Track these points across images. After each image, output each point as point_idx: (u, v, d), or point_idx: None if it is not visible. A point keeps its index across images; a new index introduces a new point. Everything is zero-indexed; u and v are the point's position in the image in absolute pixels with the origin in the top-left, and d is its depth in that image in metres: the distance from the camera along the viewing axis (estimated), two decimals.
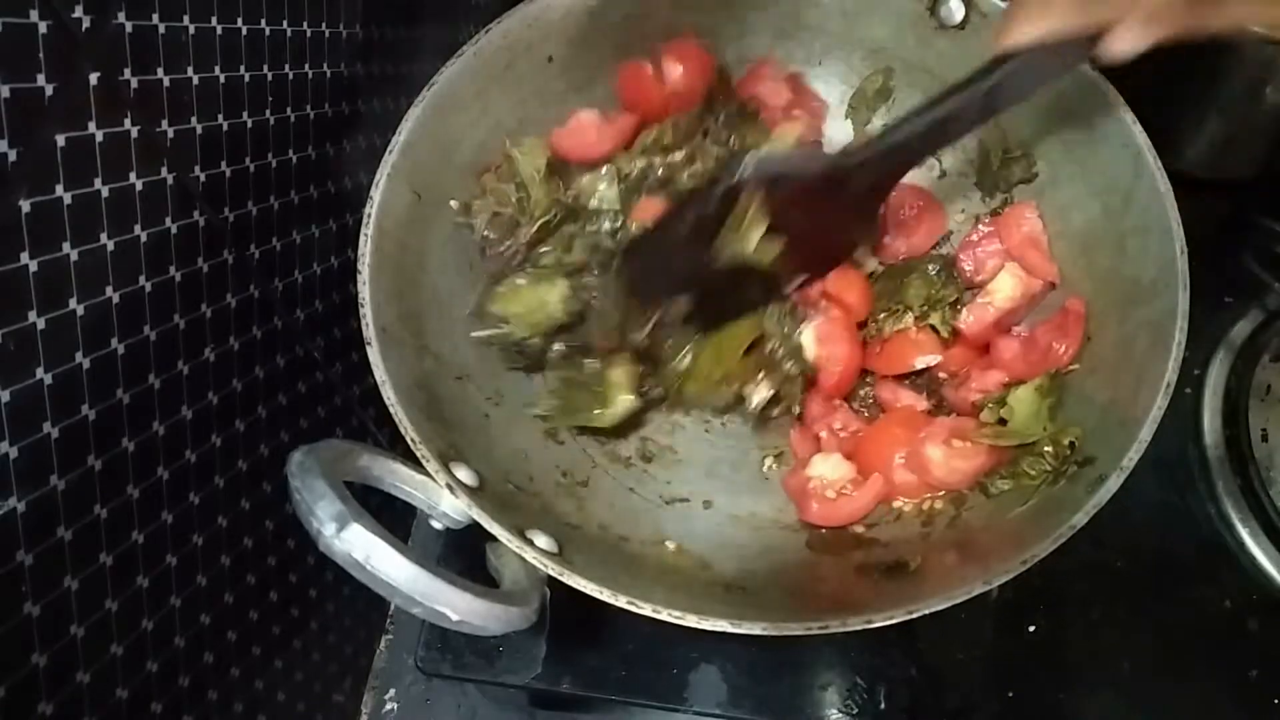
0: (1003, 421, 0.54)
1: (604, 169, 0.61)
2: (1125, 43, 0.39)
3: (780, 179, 0.50)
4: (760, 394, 0.57)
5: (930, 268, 0.61)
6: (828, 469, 0.57)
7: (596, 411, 0.57)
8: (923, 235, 0.64)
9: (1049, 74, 0.44)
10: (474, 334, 0.57)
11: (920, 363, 0.59)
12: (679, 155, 0.61)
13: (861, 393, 0.62)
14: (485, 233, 0.59)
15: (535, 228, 0.59)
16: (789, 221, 0.51)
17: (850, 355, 0.58)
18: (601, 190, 0.61)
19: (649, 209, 0.60)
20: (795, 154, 0.57)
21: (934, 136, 0.47)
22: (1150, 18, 0.38)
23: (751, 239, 0.51)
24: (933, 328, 0.60)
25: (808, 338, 0.58)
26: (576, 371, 0.59)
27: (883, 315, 0.61)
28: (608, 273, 0.59)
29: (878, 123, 0.67)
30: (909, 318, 0.60)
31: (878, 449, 0.57)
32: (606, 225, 0.61)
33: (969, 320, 0.59)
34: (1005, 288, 0.58)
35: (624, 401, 0.57)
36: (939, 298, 0.60)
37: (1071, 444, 0.51)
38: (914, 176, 0.55)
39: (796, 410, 0.59)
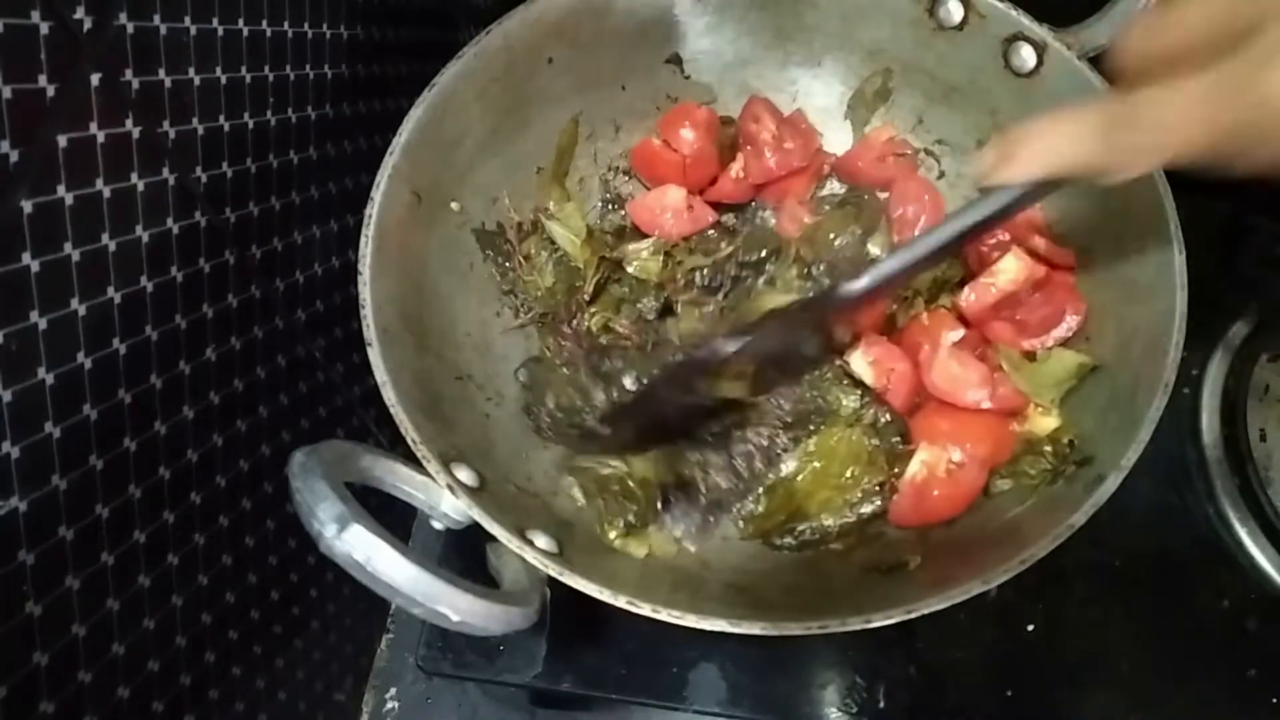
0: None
1: (652, 242, 0.63)
2: (1129, 174, 0.36)
3: (766, 354, 0.52)
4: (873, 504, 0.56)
5: None
6: (930, 455, 0.55)
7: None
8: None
9: (1035, 200, 0.42)
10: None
11: (949, 339, 0.58)
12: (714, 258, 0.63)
13: None
14: (532, 310, 0.60)
15: (590, 288, 0.60)
16: (763, 367, 0.53)
17: (910, 370, 0.57)
18: (645, 260, 0.62)
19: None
20: (777, 325, 0.54)
21: (908, 276, 0.48)
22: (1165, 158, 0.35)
23: (733, 388, 0.53)
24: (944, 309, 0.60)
25: (859, 364, 0.57)
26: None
27: (894, 307, 0.61)
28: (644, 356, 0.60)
29: (876, 123, 0.67)
30: (919, 303, 0.60)
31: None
32: (650, 301, 0.62)
33: (970, 299, 0.58)
34: (1010, 270, 0.57)
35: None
36: (946, 279, 0.60)
37: (1070, 443, 0.51)
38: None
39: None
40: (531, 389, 0.59)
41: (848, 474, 0.55)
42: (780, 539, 0.55)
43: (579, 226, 0.62)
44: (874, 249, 0.62)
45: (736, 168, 0.65)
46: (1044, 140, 0.38)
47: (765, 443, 0.57)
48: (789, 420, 0.57)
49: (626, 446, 0.56)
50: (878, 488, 0.55)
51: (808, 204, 0.65)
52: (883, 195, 0.65)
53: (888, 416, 0.56)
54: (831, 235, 0.62)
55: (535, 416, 0.58)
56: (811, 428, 0.57)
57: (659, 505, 0.55)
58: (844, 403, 0.57)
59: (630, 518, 0.53)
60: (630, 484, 0.54)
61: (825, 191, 0.68)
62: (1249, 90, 0.31)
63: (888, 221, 0.63)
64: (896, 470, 0.55)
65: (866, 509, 0.54)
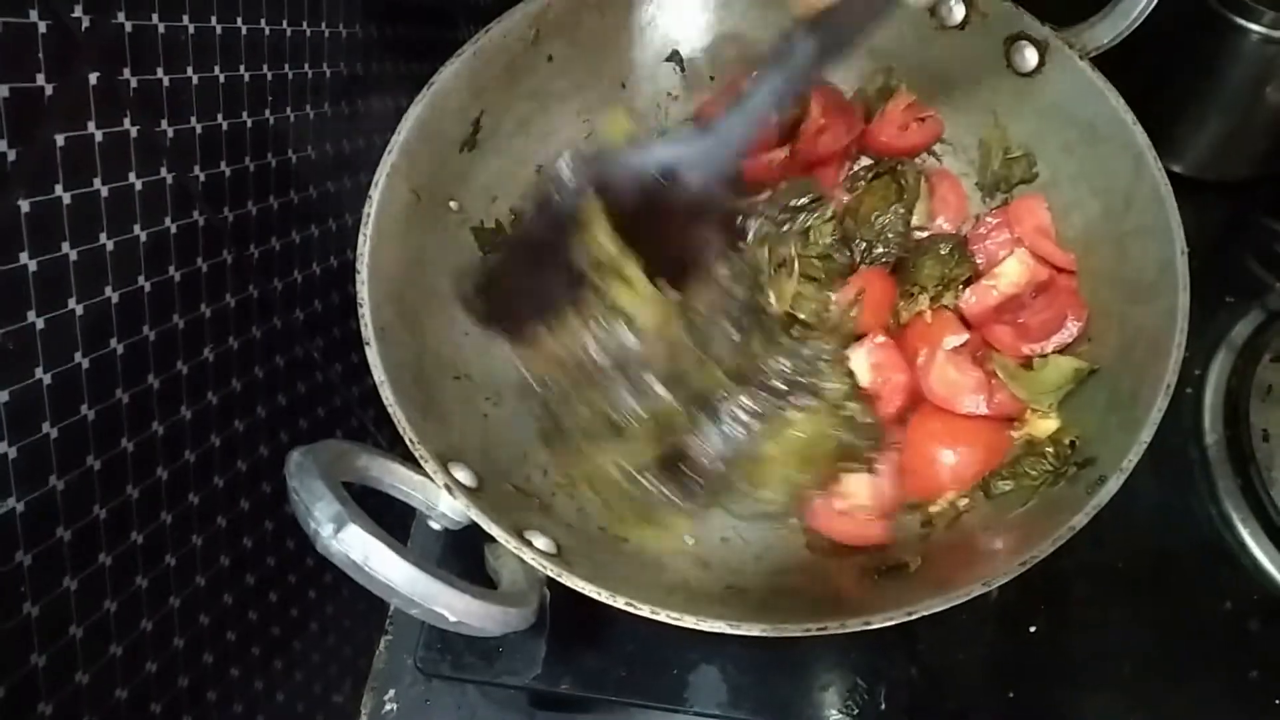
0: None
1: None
2: None
3: (609, 186, 0.48)
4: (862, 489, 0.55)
5: (942, 248, 0.60)
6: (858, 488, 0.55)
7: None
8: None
9: (866, 19, 0.44)
10: None
11: (950, 343, 0.58)
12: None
13: None
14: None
15: None
16: (637, 223, 0.49)
17: (906, 382, 0.57)
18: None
19: None
20: (618, 157, 0.50)
21: (757, 122, 0.46)
22: None
23: (603, 243, 0.49)
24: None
25: (859, 361, 0.57)
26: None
27: (900, 304, 0.60)
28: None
29: (874, 96, 0.66)
30: (924, 299, 0.60)
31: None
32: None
33: (971, 301, 0.58)
34: (1012, 272, 0.57)
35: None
36: (953, 276, 0.60)
37: (1072, 443, 0.51)
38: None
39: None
40: None
41: (810, 455, 0.54)
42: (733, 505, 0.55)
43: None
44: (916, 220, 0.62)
45: (779, 153, 0.63)
46: None
47: (757, 407, 0.55)
48: (781, 388, 0.55)
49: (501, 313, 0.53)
50: (827, 477, 0.54)
51: (840, 184, 0.64)
52: (918, 163, 0.64)
53: (869, 419, 0.55)
54: (875, 214, 0.61)
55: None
56: (795, 400, 0.55)
57: (661, 488, 0.53)
58: (831, 387, 0.56)
59: (634, 509, 0.52)
60: (631, 473, 0.53)
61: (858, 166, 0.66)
62: None
63: (928, 189, 0.63)
64: (843, 466, 0.54)
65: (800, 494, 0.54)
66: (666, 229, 0.50)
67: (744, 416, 0.54)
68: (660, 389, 0.52)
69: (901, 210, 0.61)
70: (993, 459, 0.54)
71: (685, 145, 0.49)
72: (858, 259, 0.61)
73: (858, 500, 0.55)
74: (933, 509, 0.55)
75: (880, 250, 0.61)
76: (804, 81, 0.46)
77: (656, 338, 0.52)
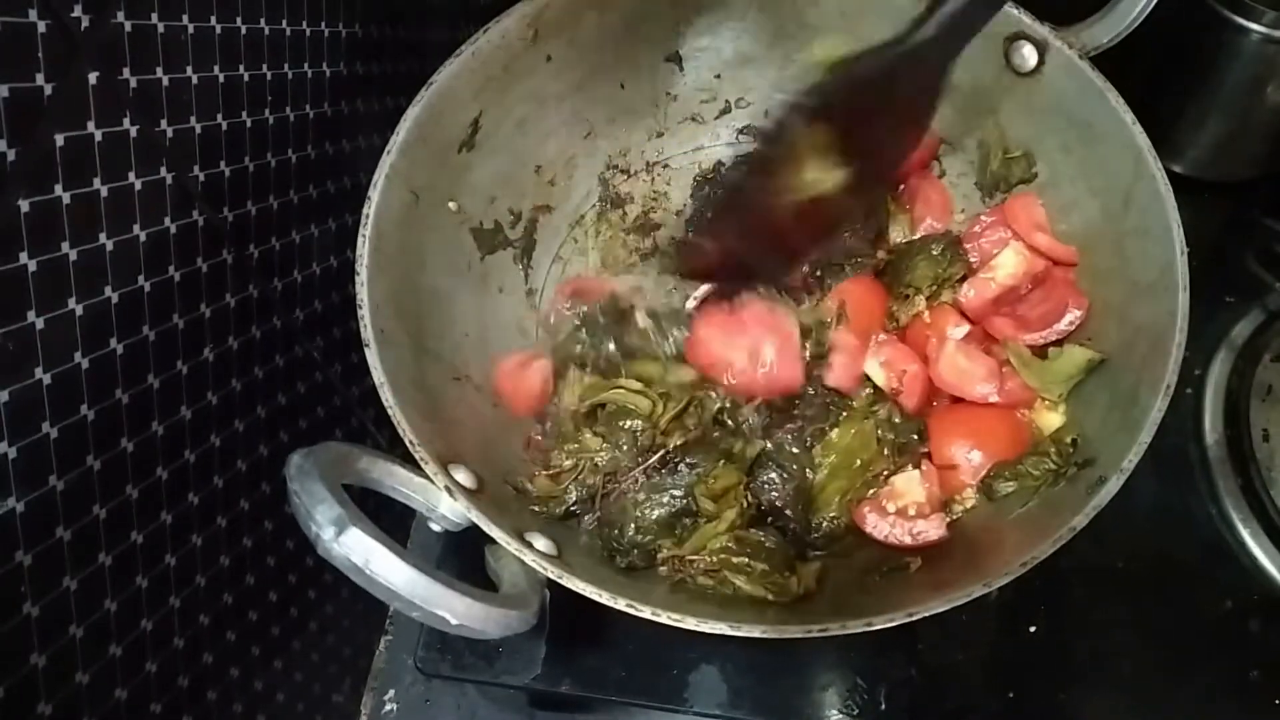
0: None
1: None
2: None
3: (831, 104, 0.46)
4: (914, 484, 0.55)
5: (934, 248, 0.60)
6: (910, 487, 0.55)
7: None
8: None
9: None
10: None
11: (955, 334, 0.58)
12: None
13: None
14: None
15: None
16: (847, 137, 0.47)
17: (921, 370, 0.57)
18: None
19: None
20: (838, 77, 0.48)
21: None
22: None
23: (814, 172, 0.47)
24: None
25: (873, 369, 0.57)
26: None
27: (895, 305, 0.61)
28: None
29: None
30: (920, 300, 0.60)
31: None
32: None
33: (969, 295, 0.58)
34: (1009, 264, 0.57)
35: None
36: (946, 275, 0.60)
37: (1073, 442, 0.51)
38: None
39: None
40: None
41: (857, 463, 0.55)
42: (809, 537, 0.54)
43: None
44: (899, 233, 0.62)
45: None
46: None
47: (795, 433, 0.55)
48: (809, 414, 0.56)
49: (724, 264, 0.53)
50: (879, 476, 0.54)
51: None
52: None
53: (900, 417, 0.56)
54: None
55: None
56: (831, 420, 0.56)
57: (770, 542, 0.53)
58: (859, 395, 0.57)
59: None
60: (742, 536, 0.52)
61: None
62: None
63: (904, 202, 0.63)
64: (899, 462, 0.54)
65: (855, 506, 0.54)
66: (868, 137, 0.48)
67: (793, 450, 0.55)
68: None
69: (862, 230, 0.62)
70: (1013, 449, 0.54)
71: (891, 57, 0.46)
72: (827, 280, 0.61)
73: (912, 498, 0.54)
74: (956, 507, 0.55)
75: (849, 271, 0.61)
76: None
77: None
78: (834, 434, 0.55)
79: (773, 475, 0.54)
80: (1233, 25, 0.62)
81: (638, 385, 0.55)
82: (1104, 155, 0.55)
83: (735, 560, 0.51)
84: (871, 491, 0.54)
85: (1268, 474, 0.61)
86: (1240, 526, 0.61)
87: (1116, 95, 0.53)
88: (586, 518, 0.53)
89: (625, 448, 0.53)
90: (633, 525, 0.52)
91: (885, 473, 0.54)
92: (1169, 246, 0.50)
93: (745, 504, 0.53)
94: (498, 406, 0.57)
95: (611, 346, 0.58)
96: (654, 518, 0.52)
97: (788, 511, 0.53)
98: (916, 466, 0.55)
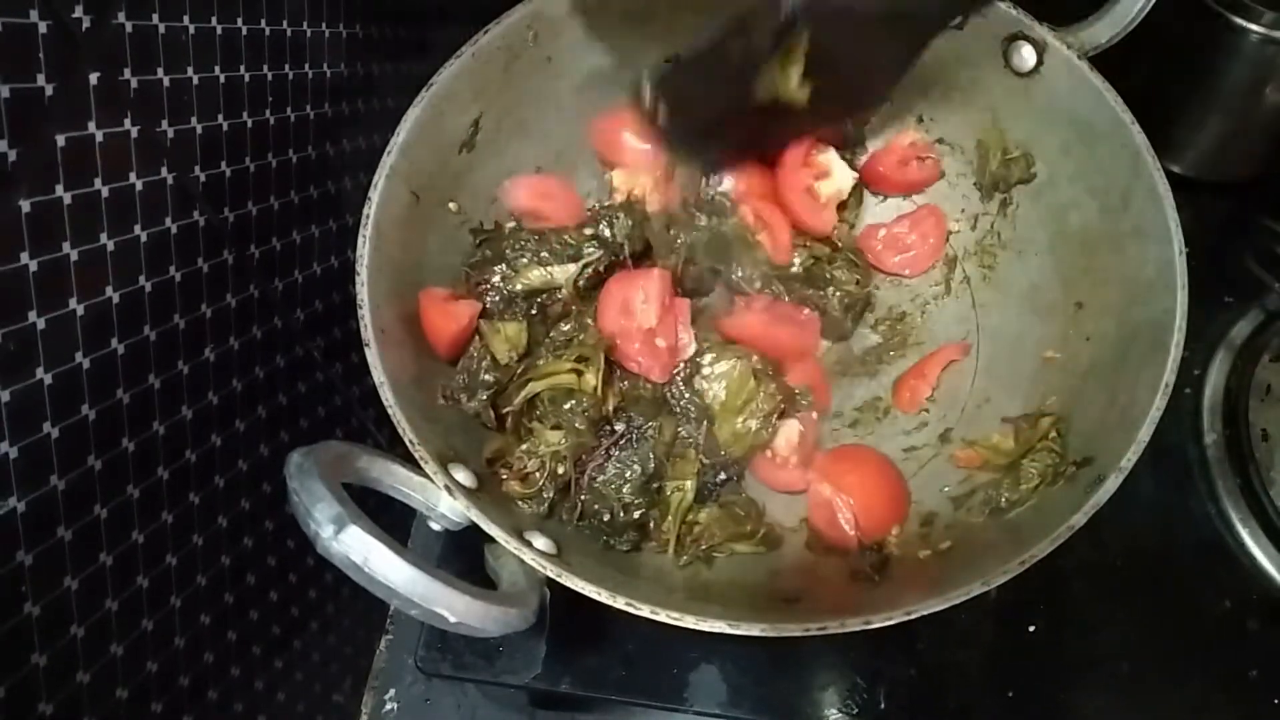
0: None
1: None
2: None
3: (836, 14, 0.47)
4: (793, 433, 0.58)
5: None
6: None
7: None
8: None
9: None
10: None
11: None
12: None
13: None
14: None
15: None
16: (827, 61, 0.48)
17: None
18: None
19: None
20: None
21: None
22: None
23: (793, 78, 0.49)
24: None
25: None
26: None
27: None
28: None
29: (876, 122, 0.66)
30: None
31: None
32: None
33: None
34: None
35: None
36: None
37: (1057, 431, 0.52)
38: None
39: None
40: None
41: (740, 401, 0.56)
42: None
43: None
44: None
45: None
46: None
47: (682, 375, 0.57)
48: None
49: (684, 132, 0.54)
50: (769, 417, 0.56)
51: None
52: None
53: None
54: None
55: None
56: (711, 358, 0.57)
57: None
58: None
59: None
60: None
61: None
62: None
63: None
64: (782, 402, 0.56)
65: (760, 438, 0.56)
66: (846, 67, 0.49)
67: (685, 392, 0.57)
68: None
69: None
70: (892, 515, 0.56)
71: None
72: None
73: (789, 447, 0.57)
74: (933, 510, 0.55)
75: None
76: None
77: None
78: (715, 369, 0.56)
79: (689, 426, 0.57)
80: (1232, 25, 0.62)
81: (566, 365, 0.54)
82: (1103, 155, 0.55)
83: (732, 529, 0.54)
84: (766, 435, 0.56)
85: (1266, 474, 0.61)
86: (1239, 526, 0.61)
87: (1115, 95, 0.54)
88: (571, 514, 0.53)
89: (581, 426, 0.54)
90: (615, 505, 0.53)
91: (769, 413, 0.56)
92: (1168, 246, 0.50)
93: (700, 463, 0.56)
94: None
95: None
96: (629, 491, 0.53)
97: (707, 460, 0.56)
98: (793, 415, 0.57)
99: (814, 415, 0.59)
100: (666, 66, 0.54)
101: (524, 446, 0.53)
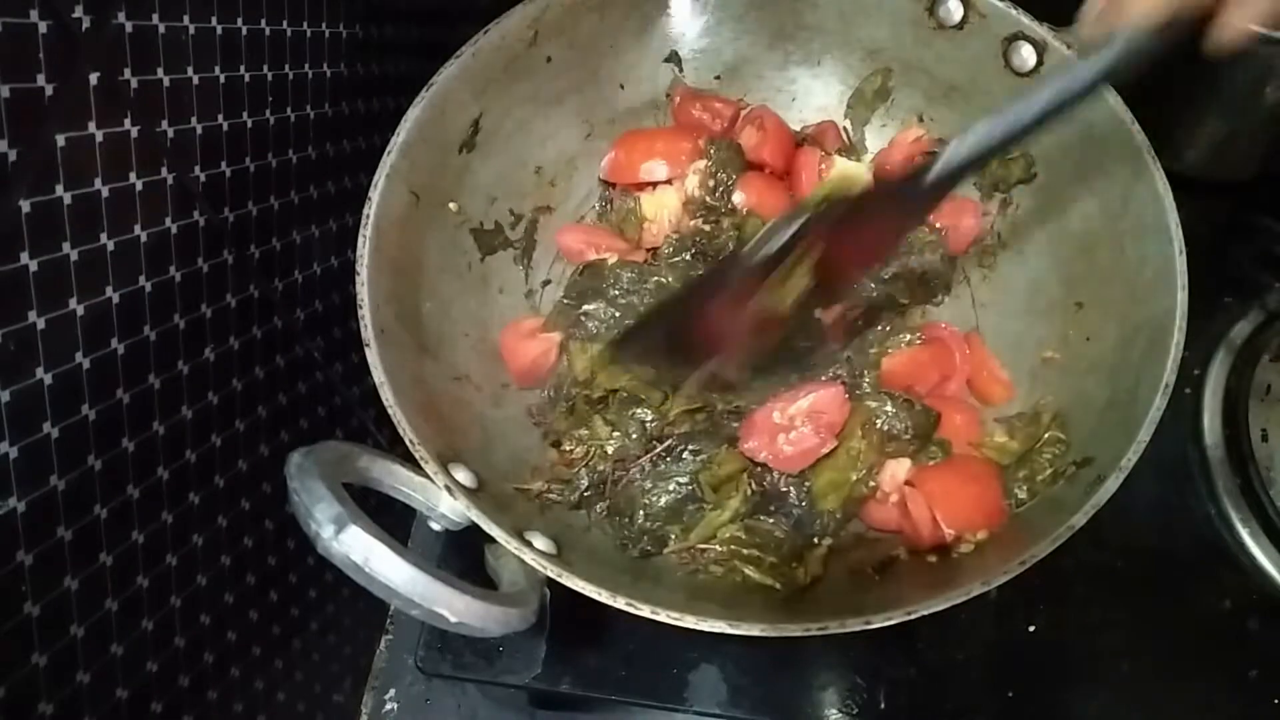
0: None
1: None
2: (1237, 22, 0.35)
3: (841, 224, 0.46)
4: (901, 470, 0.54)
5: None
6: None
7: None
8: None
9: (1150, 58, 0.38)
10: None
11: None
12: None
13: None
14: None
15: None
16: (826, 258, 0.47)
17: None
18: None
19: None
20: (861, 196, 0.48)
21: (1019, 136, 0.42)
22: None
23: (796, 289, 0.48)
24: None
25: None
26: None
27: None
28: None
29: (876, 123, 0.67)
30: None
31: None
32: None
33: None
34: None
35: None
36: None
37: (1058, 430, 0.52)
38: None
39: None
40: None
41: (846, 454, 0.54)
42: (813, 523, 0.54)
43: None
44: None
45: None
46: None
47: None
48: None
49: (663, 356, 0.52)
50: (871, 470, 0.54)
51: None
52: None
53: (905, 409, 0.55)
54: None
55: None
56: None
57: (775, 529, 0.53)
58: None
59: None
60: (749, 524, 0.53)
61: None
62: None
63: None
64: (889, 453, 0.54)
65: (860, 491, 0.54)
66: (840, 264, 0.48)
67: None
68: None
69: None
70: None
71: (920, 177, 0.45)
72: None
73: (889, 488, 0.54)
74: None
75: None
76: (1077, 99, 0.40)
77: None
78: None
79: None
80: None
81: (651, 374, 0.54)
82: (1103, 155, 0.55)
83: (746, 551, 0.51)
84: (870, 485, 0.54)
85: (1266, 474, 0.61)
86: (1239, 526, 0.61)
87: (1115, 95, 0.54)
88: (597, 506, 0.54)
89: (635, 436, 0.54)
90: (641, 512, 0.53)
91: (875, 467, 0.54)
92: (1168, 246, 0.50)
93: (749, 491, 0.53)
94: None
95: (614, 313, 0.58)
96: (661, 504, 0.53)
97: (788, 491, 0.53)
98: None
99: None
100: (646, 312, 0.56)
101: (578, 432, 0.54)
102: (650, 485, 0.53)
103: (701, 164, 0.62)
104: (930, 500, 0.52)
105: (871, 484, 0.54)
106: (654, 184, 0.64)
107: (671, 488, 0.53)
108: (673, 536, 0.53)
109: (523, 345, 0.59)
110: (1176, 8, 0.36)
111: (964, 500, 0.52)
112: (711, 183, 0.62)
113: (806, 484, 0.53)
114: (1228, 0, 0.36)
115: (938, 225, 0.61)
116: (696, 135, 0.63)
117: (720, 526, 0.53)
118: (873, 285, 0.59)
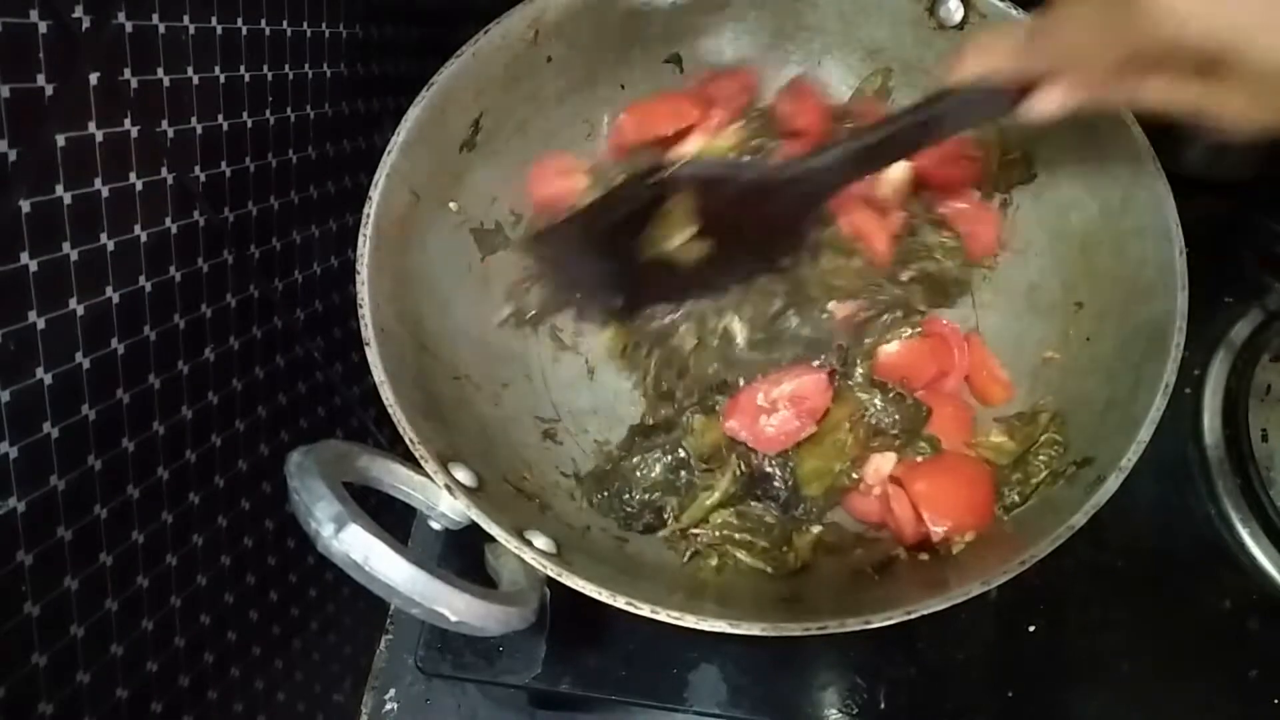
0: None
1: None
2: (1051, 101, 0.40)
3: (710, 183, 0.52)
4: (886, 464, 0.55)
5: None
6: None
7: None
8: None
9: (981, 114, 0.46)
10: None
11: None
12: None
13: None
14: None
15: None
16: (718, 226, 0.52)
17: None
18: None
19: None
20: (726, 161, 0.58)
21: (865, 160, 0.49)
22: (1079, 82, 0.39)
23: (675, 239, 0.52)
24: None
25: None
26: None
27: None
28: None
29: None
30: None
31: None
32: None
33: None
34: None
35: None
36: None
37: (1057, 430, 0.52)
38: None
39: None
40: None
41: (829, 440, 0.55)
42: (798, 505, 0.55)
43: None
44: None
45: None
46: (984, 44, 0.43)
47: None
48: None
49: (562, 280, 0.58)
50: (855, 461, 0.54)
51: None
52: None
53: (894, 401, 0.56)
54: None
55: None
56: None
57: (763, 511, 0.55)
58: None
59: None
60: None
61: None
62: (1131, 11, 0.33)
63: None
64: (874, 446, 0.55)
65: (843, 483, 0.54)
66: (740, 235, 0.53)
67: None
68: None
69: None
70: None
71: (786, 168, 0.51)
72: None
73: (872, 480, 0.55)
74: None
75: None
76: (913, 143, 0.48)
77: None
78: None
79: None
80: None
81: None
82: (1103, 155, 0.55)
83: (738, 536, 0.53)
84: (854, 477, 0.54)
85: (1267, 474, 0.61)
86: (1239, 526, 0.61)
87: None
88: (598, 493, 0.56)
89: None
90: (637, 487, 0.54)
91: (859, 460, 0.55)
92: (1168, 246, 0.50)
93: (738, 471, 0.54)
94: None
95: None
96: (654, 475, 0.54)
97: (773, 472, 0.55)
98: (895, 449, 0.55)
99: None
100: (543, 225, 0.58)
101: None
102: (638, 460, 0.55)
103: (738, 125, 0.62)
104: (915, 497, 0.52)
105: (855, 475, 0.54)
106: (677, 135, 0.62)
107: (658, 455, 0.55)
108: (669, 509, 0.54)
109: (551, 179, 0.61)
110: (990, 70, 0.42)
111: (950, 498, 0.52)
112: (754, 144, 0.61)
113: (790, 464, 0.54)
114: (1046, 81, 0.40)
115: (959, 231, 0.61)
116: (712, 104, 0.63)
117: (712, 509, 0.54)
118: (889, 287, 0.59)
